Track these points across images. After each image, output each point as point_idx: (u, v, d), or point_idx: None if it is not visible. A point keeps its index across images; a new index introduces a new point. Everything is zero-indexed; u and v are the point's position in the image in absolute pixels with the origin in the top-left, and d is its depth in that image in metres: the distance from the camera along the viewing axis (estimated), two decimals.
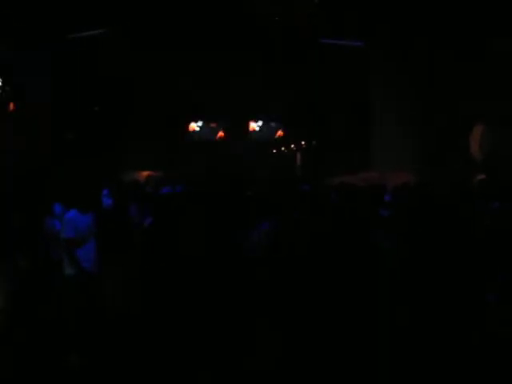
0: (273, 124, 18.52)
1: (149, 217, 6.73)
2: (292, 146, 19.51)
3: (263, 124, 18.56)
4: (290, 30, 14.62)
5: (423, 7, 12.87)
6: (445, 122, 13.77)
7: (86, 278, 5.46)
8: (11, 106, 13.62)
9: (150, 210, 7.03)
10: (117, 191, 8.95)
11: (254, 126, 18.47)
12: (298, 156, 19.46)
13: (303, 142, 19.14)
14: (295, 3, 13.68)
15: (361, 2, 13.42)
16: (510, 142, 12.51)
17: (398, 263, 5.16)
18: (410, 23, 13.59)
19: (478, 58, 12.77)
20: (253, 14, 14.12)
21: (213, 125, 18.24)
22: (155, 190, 12.34)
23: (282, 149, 19.79)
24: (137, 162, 15.62)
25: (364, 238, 5.96)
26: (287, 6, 13.87)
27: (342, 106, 17.02)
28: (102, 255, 5.76)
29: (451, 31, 12.94)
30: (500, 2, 11.73)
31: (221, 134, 18.14)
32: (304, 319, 4.88)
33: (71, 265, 5.48)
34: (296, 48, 15.67)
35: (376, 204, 8.39)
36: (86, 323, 5.26)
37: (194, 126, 18.16)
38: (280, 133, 18.55)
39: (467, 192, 6.90)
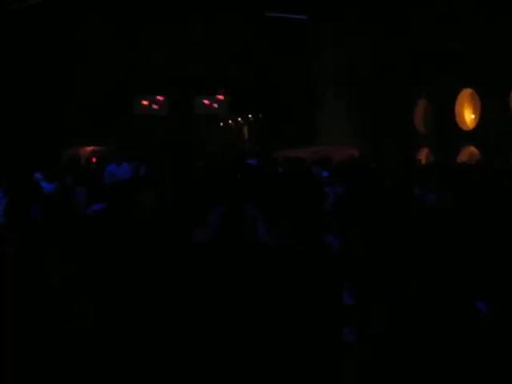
0: (220, 97, 18.33)
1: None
2: (239, 119, 19.42)
3: (211, 97, 18.37)
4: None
5: None
6: (385, 96, 13.94)
7: None
8: None
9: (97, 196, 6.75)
10: (56, 172, 8.52)
11: (203, 99, 18.26)
12: (245, 129, 19.41)
13: (250, 116, 19.06)
14: None
15: None
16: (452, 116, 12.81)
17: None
18: None
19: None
20: None
21: (160, 99, 17.92)
22: (100, 167, 12.05)
23: (229, 122, 19.69)
24: (80, 138, 15.21)
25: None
26: None
27: (288, 78, 16.98)
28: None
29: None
30: None
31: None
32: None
33: None
34: (243, 20, 15.50)
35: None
36: None
37: (141, 101, 17.80)
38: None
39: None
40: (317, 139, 16.24)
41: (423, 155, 13.37)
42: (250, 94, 17.66)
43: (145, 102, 17.69)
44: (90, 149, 15.33)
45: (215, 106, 18.32)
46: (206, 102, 18.28)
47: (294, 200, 6.18)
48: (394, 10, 13.26)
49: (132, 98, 17.36)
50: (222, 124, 19.62)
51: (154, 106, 17.82)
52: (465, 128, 12.75)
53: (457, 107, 12.74)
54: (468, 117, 12.77)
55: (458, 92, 12.66)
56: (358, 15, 14.11)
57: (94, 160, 13.54)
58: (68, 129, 15.40)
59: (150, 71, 16.50)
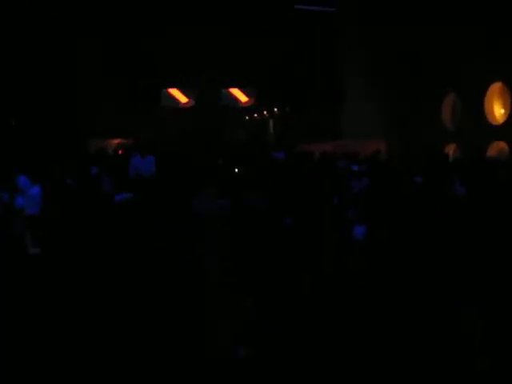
0: (246, 90, 18.29)
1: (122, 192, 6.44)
2: (265, 112, 19.32)
3: (236, 90, 18.34)
4: None
5: None
6: (412, 88, 13.77)
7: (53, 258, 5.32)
8: None
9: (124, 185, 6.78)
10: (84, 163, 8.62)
11: (227, 91, 18.23)
12: (271, 123, 19.31)
13: (276, 109, 18.96)
14: None
15: None
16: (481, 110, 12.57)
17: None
18: None
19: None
20: None
21: (185, 91, 17.95)
22: (125, 159, 12.12)
23: (255, 115, 19.60)
24: (104, 129, 15.31)
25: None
26: None
27: (314, 72, 16.90)
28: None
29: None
30: None
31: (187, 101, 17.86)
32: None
33: (36, 244, 5.35)
34: (269, 13, 15.44)
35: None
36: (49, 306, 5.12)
37: (166, 92, 17.83)
38: (247, 100, 18.34)
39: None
40: (343, 133, 16.15)
41: (450, 151, 13.17)
42: (276, 88, 17.60)
43: (171, 94, 17.74)
44: (116, 141, 15.44)
45: (241, 98, 18.30)
46: (232, 94, 18.27)
47: (312, 192, 6.16)
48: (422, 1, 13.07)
49: (158, 90, 17.41)
50: (247, 117, 19.56)
51: (180, 98, 17.87)
52: (494, 123, 12.52)
53: (486, 101, 12.51)
54: (498, 111, 12.54)
55: (487, 86, 12.43)
56: (384, 7, 13.96)
57: (120, 152, 13.65)
58: (94, 121, 15.51)
59: (177, 63, 16.54)
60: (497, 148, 12.00)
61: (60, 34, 14.96)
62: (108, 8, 14.90)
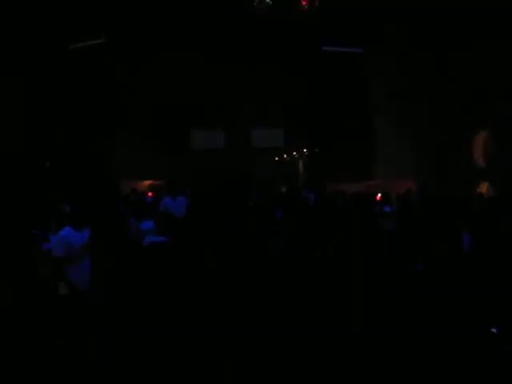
0: (275, 131, 18.43)
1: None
2: (294, 153, 19.43)
3: (265, 131, 18.48)
4: (290, 35, 14.55)
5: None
6: (445, 134, 13.70)
7: (79, 298, 5.36)
8: None
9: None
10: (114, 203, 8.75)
11: (256, 133, 18.39)
12: (301, 164, 19.38)
13: (305, 150, 19.05)
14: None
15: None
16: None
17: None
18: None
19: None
20: (254, 17, 14.03)
21: (214, 133, 18.15)
22: (156, 200, 12.25)
23: (284, 156, 19.72)
24: (133, 170, 15.54)
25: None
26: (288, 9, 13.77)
27: (343, 113, 16.96)
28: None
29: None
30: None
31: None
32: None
33: (64, 284, 5.39)
34: (297, 55, 15.62)
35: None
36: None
37: (195, 134, 18.06)
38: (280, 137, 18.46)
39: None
40: (373, 172, 16.06)
41: (484, 189, 12.97)
42: (305, 128, 17.69)
43: (200, 137, 17.95)
44: (147, 183, 15.63)
45: (270, 140, 18.43)
46: (263, 135, 18.41)
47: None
48: (451, 36, 13.05)
49: (188, 132, 17.65)
50: (277, 158, 19.68)
51: (210, 142, 18.06)
52: None
53: None
54: None
55: None
56: (411, 44, 14.00)
57: (150, 194, 13.78)
58: (126, 162, 15.75)
59: (206, 105, 16.79)
60: None
61: (99, 72, 15.38)
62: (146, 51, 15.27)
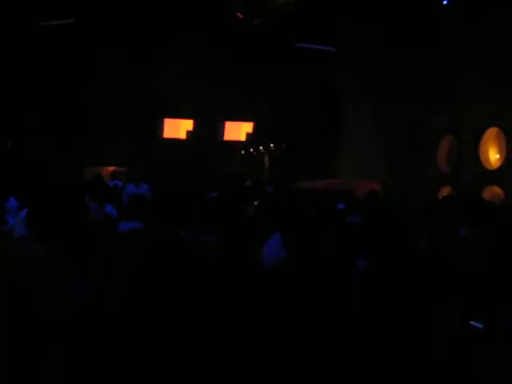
0: (243, 125, 18.39)
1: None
2: (260, 147, 19.40)
3: (233, 124, 18.43)
4: (263, 30, 14.56)
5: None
6: (411, 135, 13.86)
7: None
8: None
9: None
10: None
11: (224, 125, 18.31)
12: (266, 158, 19.38)
13: (272, 145, 19.05)
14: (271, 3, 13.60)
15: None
16: (477, 156, 12.64)
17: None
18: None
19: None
20: (227, 14, 14.04)
21: (181, 121, 18.00)
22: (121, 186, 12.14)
23: (251, 150, 19.67)
24: (101, 157, 15.36)
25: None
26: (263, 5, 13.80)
27: (312, 110, 17.04)
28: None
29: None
30: None
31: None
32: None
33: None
34: (269, 51, 15.62)
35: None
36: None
37: (163, 124, 17.87)
38: (249, 130, 18.39)
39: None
40: (339, 171, 16.19)
41: (445, 193, 13.18)
42: (273, 124, 17.71)
43: (168, 125, 17.78)
44: (111, 169, 15.42)
45: (238, 133, 18.39)
46: (229, 128, 18.35)
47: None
48: (420, 44, 13.22)
49: (156, 121, 17.49)
50: (243, 152, 19.63)
51: (177, 131, 17.90)
52: (489, 167, 12.58)
53: (482, 146, 12.59)
54: (493, 156, 12.61)
55: (483, 130, 12.52)
56: (384, 44, 14.13)
57: (114, 180, 13.62)
58: (91, 148, 15.55)
59: (175, 95, 16.64)
60: (491, 192, 12.02)
61: (65, 57, 15.11)
62: (111, 32, 15.02)
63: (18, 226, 5.37)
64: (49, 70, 15.03)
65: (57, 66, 15.14)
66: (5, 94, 14.05)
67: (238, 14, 13.43)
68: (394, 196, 12.08)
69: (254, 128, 18.25)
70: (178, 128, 17.92)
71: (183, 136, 17.94)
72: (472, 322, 3.59)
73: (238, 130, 18.44)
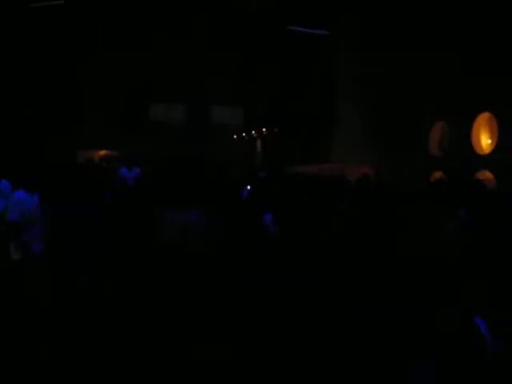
0: (234, 109, 18.33)
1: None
2: (253, 132, 19.36)
3: (225, 108, 18.36)
4: (258, 15, 14.49)
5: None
6: (404, 120, 13.86)
7: (35, 263, 5.22)
8: None
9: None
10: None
11: (216, 110, 18.25)
12: (259, 143, 19.34)
13: (264, 129, 19.00)
14: None
15: None
16: (468, 140, 12.67)
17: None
18: None
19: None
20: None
21: (173, 105, 17.93)
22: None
23: (243, 134, 19.63)
24: (94, 142, 15.27)
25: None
26: None
27: (306, 95, 16.99)
28: None
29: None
30: None
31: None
32: None
33: (18, 249, 5.23)
34: (265, 36, 15.54)
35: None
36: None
37: (154, 107, 17.80)
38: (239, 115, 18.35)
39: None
40: (332, 155, 16.18)
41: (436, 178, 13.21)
42: (265, 108, 17.65)
43: (160, 109, 17.71)
44: (103, 152, 15.38)
45: (230, 117, 18.34)
46: (221, 112, 18.29)
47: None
48: (412, 27, 13.19)
49: (148, 105, 17.41)
50: (235, 136, 19.57)
51: (169, 114, 17.84)
52: (480, 152, 12.62)
53: (473, 131, 12.62)
54: (484, 141, 12.65)
55: (475, 116, 12.54)
56: (375, 31, 14.07)
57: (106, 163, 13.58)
58: (84, 132, 15.47)
59: (167, 79, 16.55)
60: (483, 177, 12.07)
61: (58, 40, 14.99)
62: (98, 22, 14.93)
63: (12, 209, 5.37)
64: (41, 56, 14.90)
65: (49, 49, 15.00)
66: None
67: None
68: (385, 181, 12.12)
69: (246, 113, 18.19)
70: (168, 113, 17.88)
71: (174, 121, 17.89)
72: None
73: (229, 115, 18.40)
